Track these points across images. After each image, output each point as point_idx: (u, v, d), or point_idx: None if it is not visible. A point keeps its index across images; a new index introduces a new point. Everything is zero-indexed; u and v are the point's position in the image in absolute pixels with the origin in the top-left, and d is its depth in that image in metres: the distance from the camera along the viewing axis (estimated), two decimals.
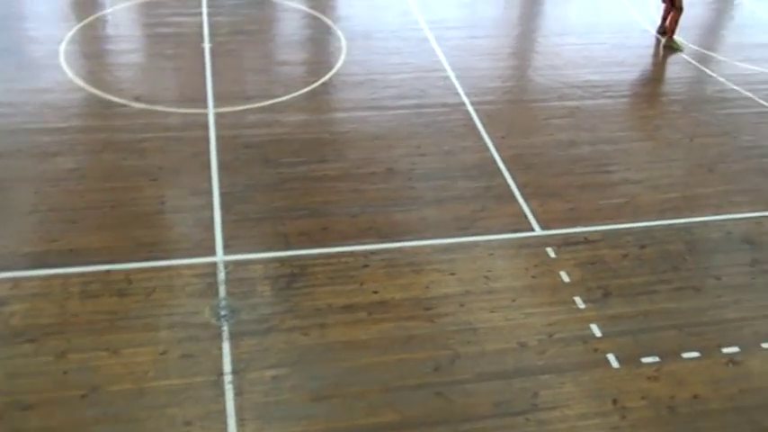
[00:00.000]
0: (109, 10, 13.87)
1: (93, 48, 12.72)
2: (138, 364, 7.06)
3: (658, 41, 14.05)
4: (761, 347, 7.69)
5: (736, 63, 13.42)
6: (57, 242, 8.42)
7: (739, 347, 7.67)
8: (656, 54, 13.84)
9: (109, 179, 9.46)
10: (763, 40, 14.39)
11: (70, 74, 11.64)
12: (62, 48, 12.36)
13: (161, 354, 7.19)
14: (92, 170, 9.62)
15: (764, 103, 12.16)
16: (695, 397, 7.12)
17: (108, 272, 8.06)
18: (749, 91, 12.48)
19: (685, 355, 7.54)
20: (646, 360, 7.45)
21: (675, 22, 13.62)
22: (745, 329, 7.89)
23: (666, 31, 13.88)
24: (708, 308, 8.16)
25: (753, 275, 8.64)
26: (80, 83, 11.43)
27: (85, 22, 13.28)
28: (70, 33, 12.84)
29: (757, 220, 9.52)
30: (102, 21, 13.46)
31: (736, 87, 12.59)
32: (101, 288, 7.85)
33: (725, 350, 7.64)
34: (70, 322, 7.44)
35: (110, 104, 10.97)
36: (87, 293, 7.77)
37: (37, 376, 6.87)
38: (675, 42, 13.75)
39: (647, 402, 7.02)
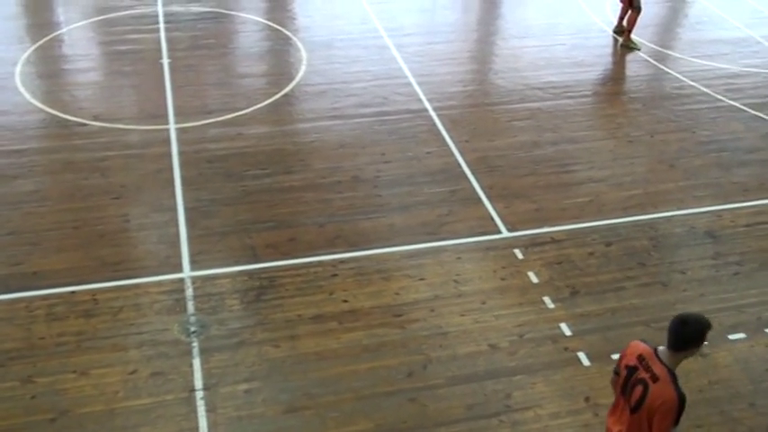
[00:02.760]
0: (64, 29, 13.72)
1: (49, 68, 12.57)
2: (107, 385, 6.98)
3: (616, 41, 14.22)
4: (727, 339, 7.80)
5: (692, 59, 13.62)
6: (20, 265, 8.29)
7: (706, 340, 7.73)
8: (614, 53, 14.01)
9: (71, 199, 9.35)
10: (717, 36, 14.63)
11: (27, 95, 11.49)
12: (18, 69, 12.19)
13: (131, 373, 7.11)
14: (53, 191, 9.50)
15: (720, 97, 12.35)
16: None
17: (73, 293, 7.96)
18: (705, 87, 12.67)
19: None
20: (616, 357, 7.42)
21: (633, 22, 13.80)
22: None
23: (624, 30, 14.06)
24: (674, 302, 8.25)
25: (716, 268, 8.76)
26: (37, 104, 11.29)
27: (41, 42, 13.12)
28: (25, 54, 12.68)
29: (718, 214, 9.66)
30: (58, 40, 13.31)
31: (693, 83, 12.78)
32: (66, 310, 7.75)
33: None
34: (36, 346, 7.33)
35: (69, 124, 10.85)
36: (53, 316, 7.67)
37: (3, 402, 6.76)
38: (632, 41, 13.93)
39: None
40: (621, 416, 5.22)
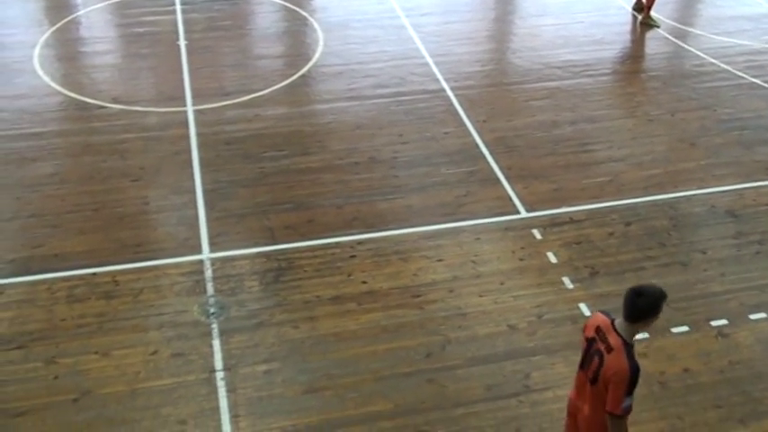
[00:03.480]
0: (82, 12, 13.75)
1: (67, 51, 12.61)
2: (128, 366, 7.04)
3: (635, 18, 14.07)
4: (748, 319, 7.74)
5: (713, 36, 13.45)
6: (40, 248, 8.36)
7: (727, 320, 7.72)
8: (633, 31, 13.86)
9: (90, 182, 9.40)
10: (738, 12, 14.43)
11: (45, 78, 11.53)
12: (36, 52, 12.24)
13: (152, 354, 7.17)
14: (72, 174, 9.55)
15: (742, 74, 12.20)
16: (685, 371, 7.16)
17: (94, 275, 8.02)
18: (726, 64, 12.51)
19: (674, 329, 7.58)
20: (635, 337, 7.44)
21: None
22: (731, 302, 7.94)
23: (643, 7, 13.90)
24: (695, 282, 8.20)
25: (737, 248, 8.68)
26: (56, 87, 11.33)
27: (59, 25, 13.15)
28: (44, 37, 12.72)
29: (740, 193, 9.56)
30: (75, 23, 13.33)
31: (714, 61, 12.62)
32: (87, 291, 7.81)
33: (713, 323, 7.68)
34: (58, 327, 7.40)
35: (87, 107, 10.89)
36: (74, 297, 7.73)
37: (27, 383, 6.84)
38: (652, 19, 13.77)
39: None
40: (583, 390, 5.25)
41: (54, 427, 6.48)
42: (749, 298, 8.00)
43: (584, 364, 5.21)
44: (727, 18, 14.17)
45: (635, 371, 4.84)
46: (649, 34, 13.59)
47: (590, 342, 5.13)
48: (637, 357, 4.94)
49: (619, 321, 5.01)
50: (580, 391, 5.30)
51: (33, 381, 6.87)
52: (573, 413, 5.44)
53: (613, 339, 4.96)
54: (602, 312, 5.24)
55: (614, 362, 4.88)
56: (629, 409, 4.94)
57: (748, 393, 6.97)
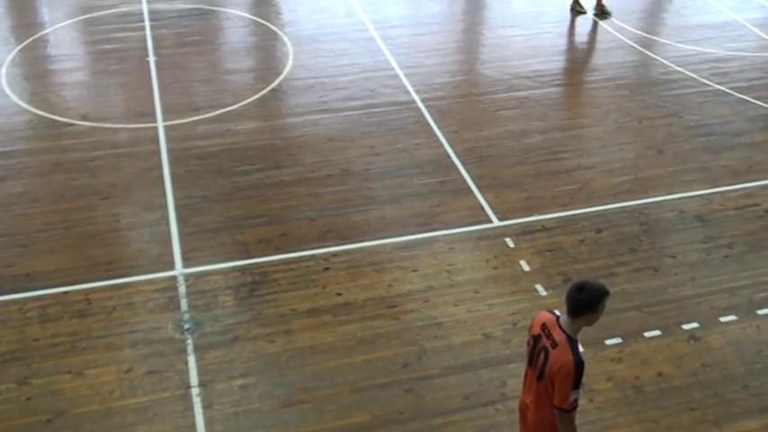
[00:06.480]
0: (49, 30, 13.65)
1: (35, 69, 12.50)
2: (103, 385, 6.98)
3: (599, 26, 14.25)
4: (719, 321, 7.84)
5: (678, 45, 13.66)
6: (11, 267, 8.27)
7: (699, 323, 7.81)
8: (600, 40, 14.02)
9: (60, 200, 9.32)
10: (703, 20, 14.66)
11: (13, 97, 11.43)
12: (2, 71, 12.12)
13: (126, 372, 7.11)
14: (42, 192, 9.46)
15: (707, 82, 12.39)
16: (659, 375, 7.24)
17: (66, 293, 7.94)
18: (692, 71, 12.71)
19: (647, 334, 7.67)
20: (609, 342, 7.56)
21: None
22: (702, 305, 8.04)
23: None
24: (666, 287, 8.30)
25: (707, 252, 8.81)
26: (24, 105, 11.23)
27: (25, 43, 13.05)
28: (10, 56, 12.61)
29: (708, 198, 9.70)
30: (42, 41, 13.23)
31: (679, 69, 12.81)
32: (60, 310, 7.73)
33: (685, 327, 7.78)
34: (31, 347, 7.31)
35: (56, 125, 10.80)
36: (46, 317, 7.65)
37: None
38: (605, 7, 14.32)
39: (612, 384, 7.12)
40: (531, 386, 5.34)
41: None
42: (719, 301, 8.11)
43: (531, 361, 5.28)
44: (692, 26, 14.40)
45: (580, 365, 4.94)
46: (616, 43, 13.72)
47: (536, 339, 5.22)
48: (582, 352, 5.02)
49: (563, 318, 5.11)
50: (529, 388, 5.37)
51: (5, 403, 6.78)
52: (523, 411, 5.51)
53: (558, 335, 5.05)
54: (548, 310, 5.34)
55: (559, 356, 4.97)
56: (575, 403, 5.03)
57: (721, 395, 7.05)
